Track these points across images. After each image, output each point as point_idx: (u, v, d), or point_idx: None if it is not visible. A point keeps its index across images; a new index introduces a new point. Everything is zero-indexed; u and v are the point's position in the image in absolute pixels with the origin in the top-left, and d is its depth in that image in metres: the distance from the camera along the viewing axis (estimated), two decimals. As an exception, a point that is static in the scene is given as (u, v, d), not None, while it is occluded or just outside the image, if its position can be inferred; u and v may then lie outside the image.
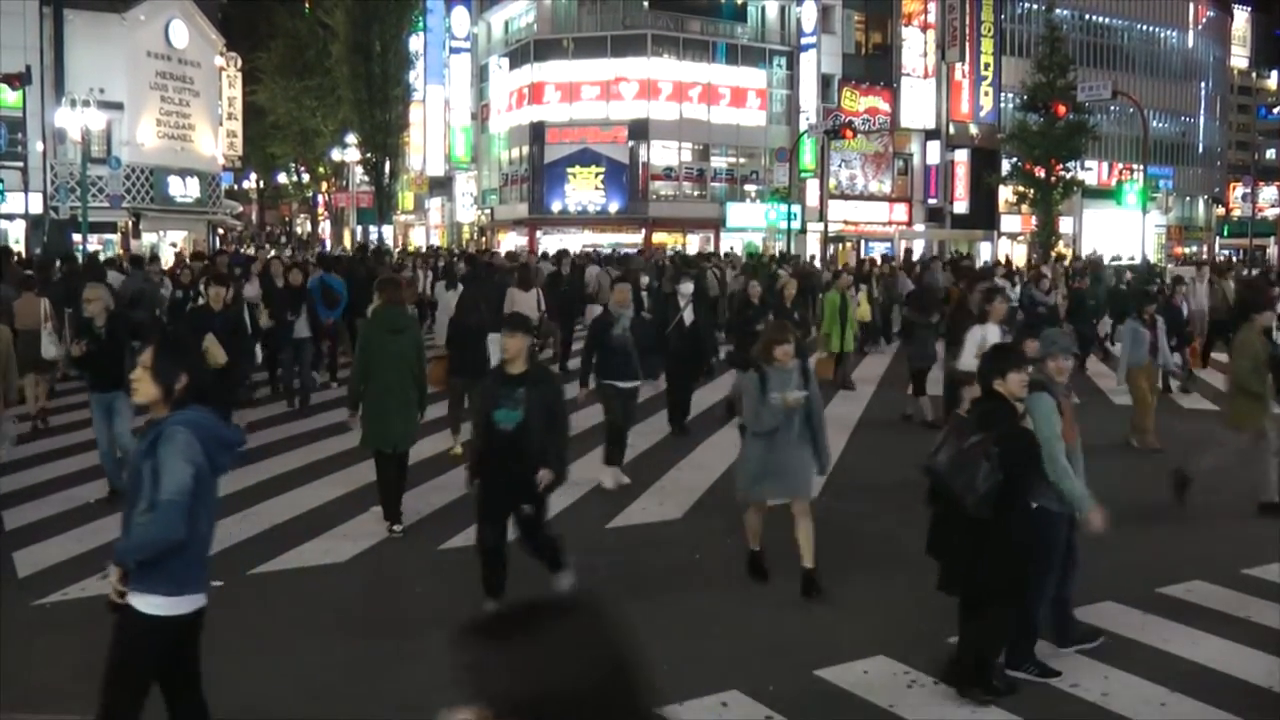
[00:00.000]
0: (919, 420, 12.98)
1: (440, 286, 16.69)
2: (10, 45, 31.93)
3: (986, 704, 5.40)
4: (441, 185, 57.27)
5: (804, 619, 6.61)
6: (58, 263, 20.09)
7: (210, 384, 4.40)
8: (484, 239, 51.82)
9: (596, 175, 46.07)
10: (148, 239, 35.54)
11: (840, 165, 50.13)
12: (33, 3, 33.20)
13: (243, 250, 44.50)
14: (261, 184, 72.98)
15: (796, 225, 43.38)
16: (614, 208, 46.05)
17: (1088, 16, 60.95)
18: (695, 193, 47.91)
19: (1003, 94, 54.16)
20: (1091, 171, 52.77)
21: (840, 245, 48.36)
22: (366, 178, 49.88)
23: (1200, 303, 18.43)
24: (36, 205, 31.40)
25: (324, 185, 66.31)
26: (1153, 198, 43.48)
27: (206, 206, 39.37)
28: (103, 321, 9.29)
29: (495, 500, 6.46)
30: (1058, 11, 48.35)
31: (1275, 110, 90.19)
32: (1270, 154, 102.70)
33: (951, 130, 53.65)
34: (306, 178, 67.52)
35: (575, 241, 42.06)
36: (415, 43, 49.24)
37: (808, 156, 46.21)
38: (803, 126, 46.46)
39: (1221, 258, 52.74)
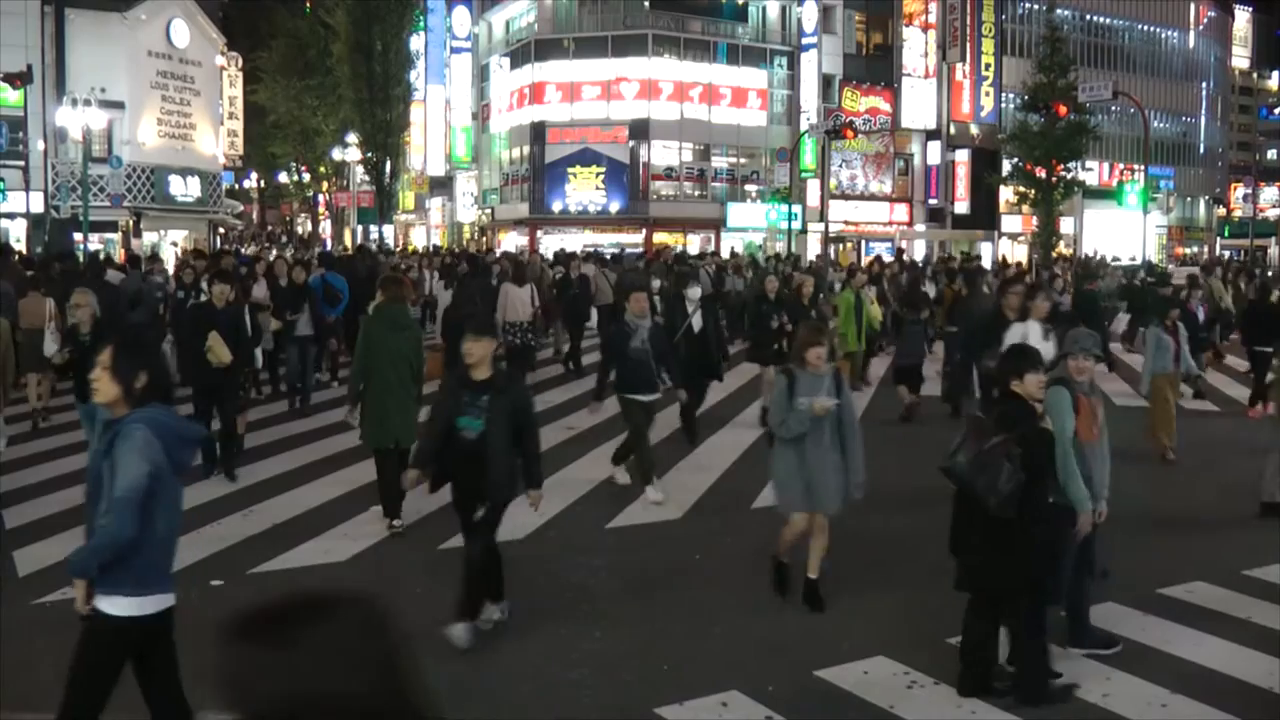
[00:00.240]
0: (903, 416, 13.13)
1: (439, 285, 16.75)
2: (11, 44, 31.91)
3: (1057, 704, 5.42)
4: (442, 185, 57.26)
5: (804, 619, 6.61)
6: (55, 263, 20.09)
7: (166, 383, 4.25)
8: (484, 239, 51.82)
9: (597, 175, 46.06)
10: (149, 238, 35.54)
11: (841, 165, 50.12)
12: (34, 2, 33.17)
13: (243, 250, 44.56)
14: (262, 183, 72.99)
15: (797, 225, 43.40)
16: (615, 208, 46.05)
17: (1089, 17, 60.98)
18: (696, 193, 47.91)
19: (1003, 94, 54.14)
20: (1092, 172, 52.75)
21: (841, 245, 48.36)
22: (367, 177, 49.78)
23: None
24: (38, 204, 31.42)
25: (325, 185, 66.28)
26: (1153, 198, 43.54)
27: (207, 206, 39.35)
28: (89, 328, 9.22)
29: (468, 510, 6.25)
30: (1058, 12, 48.33)
31: (1276, 110, 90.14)
32: (1271, 154, 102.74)
33: (952, 130, 53.64)
34: (307, 177, 67.47)
35: (576, 241, 42.03)
36: (416, 42, 49.17)
37: (808, 156, 46.20)
38: (803, 126, 46.43)
39: (1208, 258, 52.64)
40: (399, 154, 49.00)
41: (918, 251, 50.48)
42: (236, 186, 61.79)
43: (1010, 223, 55.32)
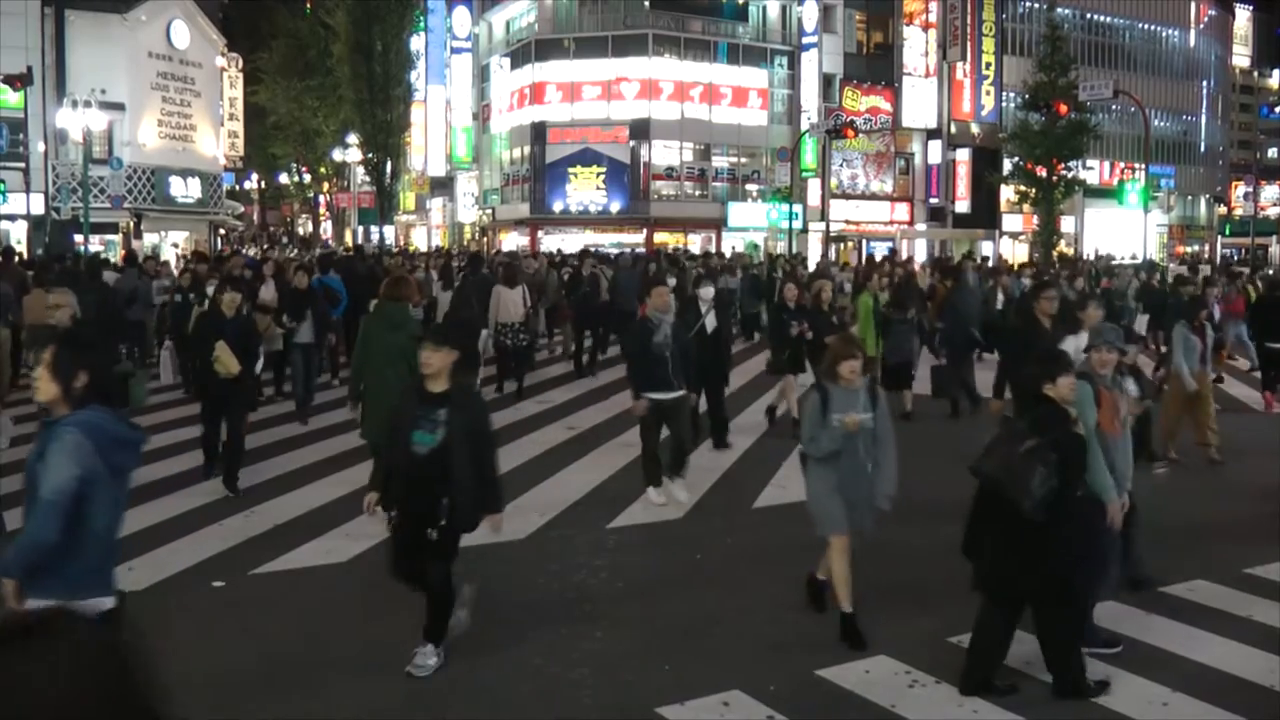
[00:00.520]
0: (898, 414, 13.04)
1: (438, 286, 16.73)
2: (11, 46, 31.94)
3: (1093, 698, 5.45)
4: (443, 185, 57.28)
5: (805, 619, 6.60)
6: (55, 264, 20.10)
7: (111, 384, 4.19)
8: (485, 239, 51.83)
9: (598, 175, 46.08)
10: (149, 239, 35.58)
11: (841, 165, 50.13)
12: (34, 3, 33.19)
13: (243, 249, 44.53)
14: (263, 184, 73.00)
15: (798, 225, 43.41)
16: (615, 208, 46.06)
17: (1089, 15, 60.99)
18: (697, 192, 47.92)
19: (1004, 93, 54.15)
20: (1093, 171, 52.76)
21: (842, 245, 48.37)
22: (368, 178, 49.82)
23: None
24: (38, 206, 31.45)
25: (325, 185, 66.31)
26: (1154, 197, 43.52)
27: (208, 207, 39.37)
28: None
29: (413, 532, 5.69)
30: (1059, 11, 48.35)
31: (1277, 109, 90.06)
32: (1272, 153, 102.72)
33: (953, 129, 53.64)
34: (308, 178, 67.50)
35: (577, 241, 42.05)
36: (416, 43, 49.20)
37: (809, 156, 46.22)
38: (804, 126, 46.44)
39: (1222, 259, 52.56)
40: (400, 154, 49.02)
41: (918, 251, 50.54)
42: (237, 187, 61.81)
43: (1011, 222, 55.33)
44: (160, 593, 7.08)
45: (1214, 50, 74.42)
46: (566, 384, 16.41)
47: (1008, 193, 47.30)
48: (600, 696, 5.55)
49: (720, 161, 48.35)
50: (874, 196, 52.22)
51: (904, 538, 7.60)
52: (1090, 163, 48.07)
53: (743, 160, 48.72)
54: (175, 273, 19.14)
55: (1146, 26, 65.87)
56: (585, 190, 46.38)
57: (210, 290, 12.69)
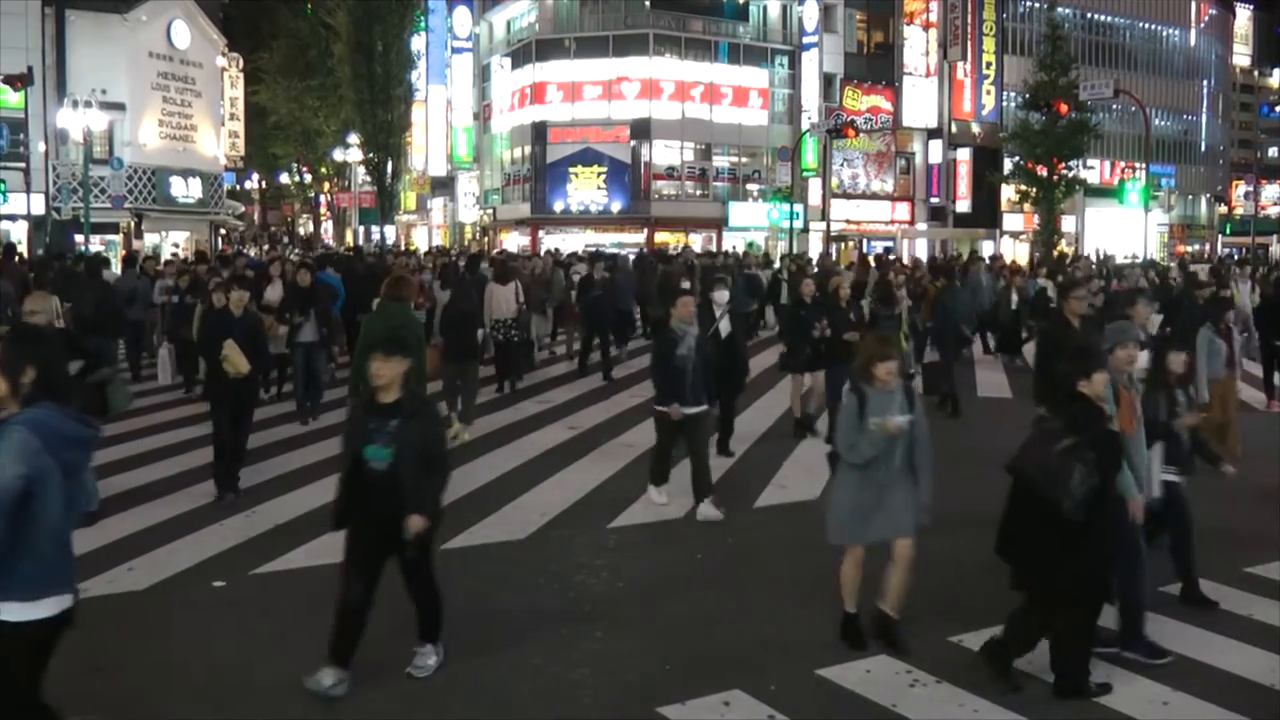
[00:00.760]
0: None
1: (436, 286, 16.71)
2: (12, 46, 31.96)
3: (1098, 697, 5.47)
4: (444, 185, 57.30)
5: (806, 618, 6.59)
6: (55, 263, 20.14)
7: (58, 381, 4.09)
8: (486, 239, 51.84)
9: (599, 175, 46.08)
10: (150, 239, 35.58)
11: (842, 164, 50.13)
12: (34, 3, 33.20)
13: (243, 249, 44.54)
14: (264, 184, 73.02)
15: (799, 225, 43.42)
16: (616, 207, 46.06)
17: (1090, 15, 60.97)
18: (697, 192, 47.93)
19: (1005, 93, 54.14)
20: (1094, 170, 52.74)
21: (843, 244, 48.37)
22: (369, 178, 49.86)
23: (1243, 303, 18.23)
24: (39, 206, 31.47)
25: (326, 185, 66.34)
26: (1155, 196, 43.50)
27: (209, 207, 39.38)
28: None
29: (365, 550, 5.48)
30: (1059, 10, 48.33)
31: (1277, 108, 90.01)
32: (1273, 152, 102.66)
33: (953, 129, 53.64)
34: (309, 178, 67.54)
35: (578, 241, 42.10)
36: (417, 43, 49.24)
37: (810, 156, 46.22)
38: (805, 126, 46.45)
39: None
40: (400, 154, 49.06)
41: (920, 250, 50.55)
42: (238, 187, 61.81)
43: (1012, 221, 55.32)
44: (161, 592, 7.08)
45: (1214, 49, 74.39)
46: (567, 384, 16.41)
47: (1008, 192, 47.29)
48: (601, 696, 5.54)
49: (721, 161, 48.36)
50: (875, 196, 52.21)
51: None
52: (1091, 162, 48.04)
53: (743, 160, 48.72)
54: (160, 269, 19.02)
55: (1147, 26, 65.85)
56: (586, 190, 46.38)
57: (210, 289, 12.57)
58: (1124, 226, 48.17)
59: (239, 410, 9.41)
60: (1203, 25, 71.40)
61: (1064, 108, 37.02)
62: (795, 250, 38.41)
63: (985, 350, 20.08)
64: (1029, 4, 57.48)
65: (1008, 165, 43.61)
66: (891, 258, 33.32)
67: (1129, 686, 5.62)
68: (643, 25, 46.19)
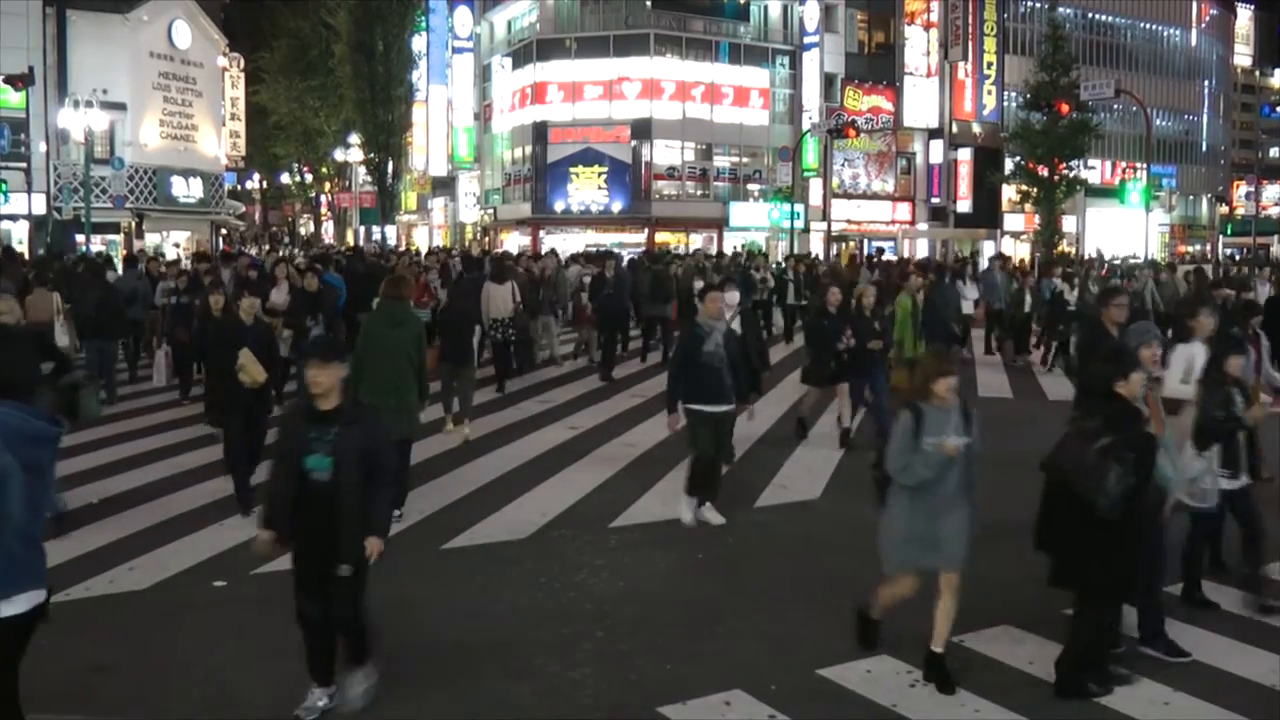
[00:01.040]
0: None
1: (438, 285, 16.74)
2: (13, 46, 31.94)
3: (1099, 695, 5.50)
4: (444, 185, 57.31)
5: (806, 618, 6.60)
6: (55, 262, 20.16)
7: (19, 380, 4.11)
8: (487, 239, 51.85)
9: (599, 175, 46.08)
10: (151, 239, 35.58)
11: (843, 164, 50.13)
12: (35, 3, 33.19)
13: (245, 249, 44.52)
14: (265, 184, 73.05)
15: (799, 224, 43.41)
16: (617, 207, 46.06)
17: (1091, 15, 60.98)
18: (698, 192, 47.92)
19: (1005, 93, 54.12)
20: (1095, 170, 52.72)
21: (844, 244, 48.37)
22: (369, 178, 49.89)
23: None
24: (40, 206, 31.45)
25: (327, 185, 66.38)
26: (1156, 196, 43.46)
27: (210, 207, 39.37)
28: None
29: (314, 565, 5.23)
30: (1060, 10, 48.30)
31: (1278, 109, 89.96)
32: (1274, 152, 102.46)
33: (954, 129, 53.62)
34: (309, 178, 67.57)
35: (578, 241, 42.10)
36: (418, 42, 49.28)
37: (810, 156, 46.22)
38: (805, 126, 46.44)
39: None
40: (401, 154, 49.09)
41: (920, 250, 50.54)
42: (239, 187, 61.84)
43: (1012, 221, 55.30)
44: (162, 592, 7.09)
45: (1215, 49, 74.38)
46: (567, 384, 16.40)
47: (1009, 192, 47.27)
48: (601, 696, 5.54)
49: (722, 161, 48.35)
50: (875, 196, 52.21)
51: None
52: (1092, 162, 48.03)
53: (744, 160, 48.70)
54: (164, 270, 18.93)
55: (1148, 26, 65.85)
56: (587, 190, 46.38)
57: (208, 290, 12.54)
58: (1125, 227, 48.15)
59: (251, 417, 9.04)
60: (1204, 25, 71.40)
61: (1065, 108, 37.00)
62: (795, 250, 38.34)
63: (987, 350, 20.08)
64: (1030, 4, 57.47)
65: (1009, 165, 43.59)
66: (885, 258, 33.29)
67: (1130, 687, 5.61)
68: (644, 25, 46.19)
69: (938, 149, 53.24)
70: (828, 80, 49.01)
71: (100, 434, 11.91)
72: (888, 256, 36.30)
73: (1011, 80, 53.00)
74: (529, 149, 47.65)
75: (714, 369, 8.56)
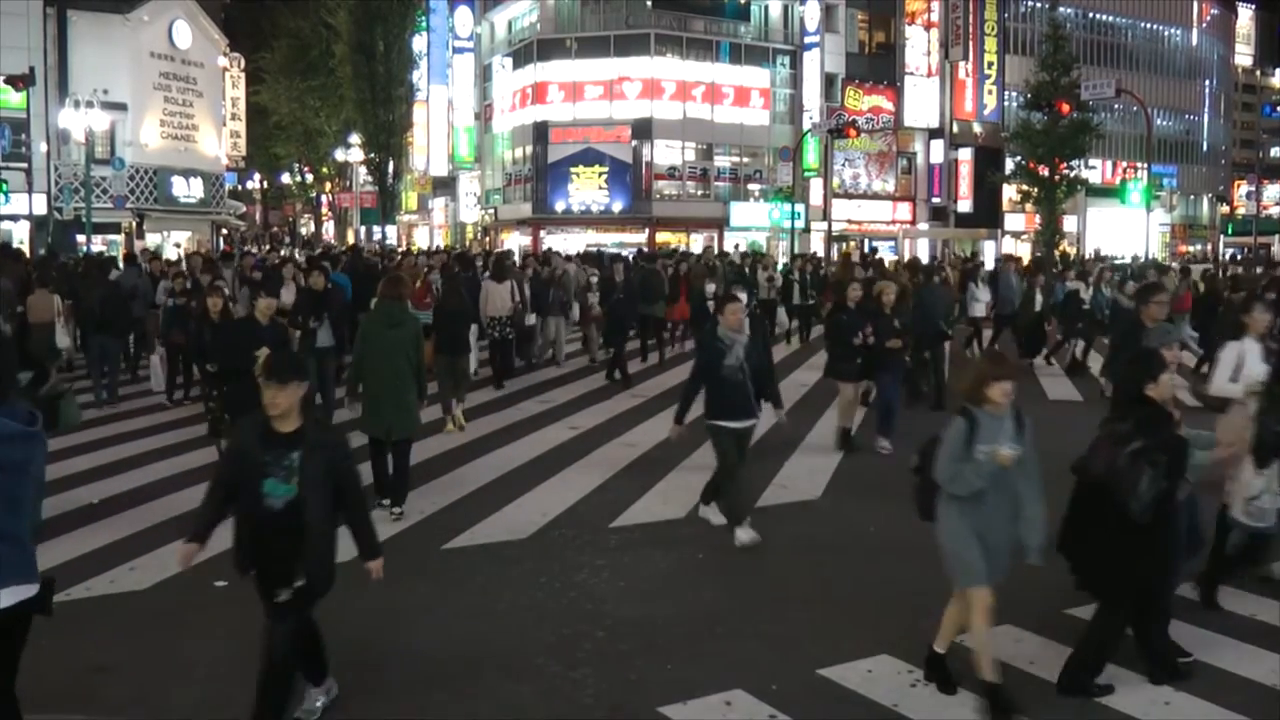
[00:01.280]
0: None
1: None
2: (13, 46, 31.94)
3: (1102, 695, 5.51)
4: (445, 185, 57.32)
5: (807, 618, 6.59)
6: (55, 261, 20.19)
7: (2, 380, 4.12)
8: (487, 239, 51.86)
9: (600, 175, 46.08)
10: (151, 239, 35.58)
11: (844, 164, 50.14)
12: (36, 4, 33.20)
13: (247, 249, 44.53)
14: (265, 184, 73.06)
15: (800, 224, 43.40)
16: (617, 207, 46.06)
17: (1091, 15, 60.98)
18: (699, 192, 47.92)
19: (1006, 92, 54.12)
20: (1095, 170, 52.73)
21: (844, 244, 48.37)
22: (370, 178, 49.87)
23: None
24: (40, 206, 31.47)
25: (327, 185, 66.38)
26: (1157, 196, 43.51)
27: (210, 207, 39.39)
28: None
29: (272, 592, 4.96)
30: (1061, 10, 48.36)
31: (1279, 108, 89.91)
32: (1275, 152, 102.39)
33: (955, 129, 53.62)
34: (310, 178, 67.58)
35: (579, 241, 42.11)
36: (419, 42, 49.28)
37: (811, 155, 46.22)
38: (806, 125, 46.45)
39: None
40: (402, 154, 49.07)
41: (921, 250, 50.52)
42: (239, 187, 61.85)
43: (1013, 221, 55.32)
44: (162, 592, 7.08)
45: (1216, 49, 74.36)
46: (568, 383, 16.40)
47: (1010, 192, 47.30)
48: (602, 696, 5.54)
49: (722, 161, 48.35)
50: (876, 196, 52.21)
51: (906, 534, 7.58)
52: (1093, 162, 48.05)
53: (745, 160, 48.71)
54: (166, 270, 18.85)
55: (1149, 25, 65.83)
56: (587, 190, 46.38)
57: (205, 291, 12.52)
58: (1126, 226, 48.16)
59: None
60: (1204, 25, 71.39)
61: (1065, 107, 37.01)
62: (796, 250, 38.34)
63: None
64: (1030, 4, 57.46)
65: (1009, 165, 43.62)
66: (878, 257, 33.23)
67: (1131, 687, 5.61)
68: (644, 25, 46.19)
69: (938, 149, 53.24)
70: (828, 80, 49.01)
71: (100, 434, 11.92)
72: (880, 255, 36.20)
73: (1012, 80, 53.01)
74: (529, 149, 47.67)
75: (737, 383, 8.23)
